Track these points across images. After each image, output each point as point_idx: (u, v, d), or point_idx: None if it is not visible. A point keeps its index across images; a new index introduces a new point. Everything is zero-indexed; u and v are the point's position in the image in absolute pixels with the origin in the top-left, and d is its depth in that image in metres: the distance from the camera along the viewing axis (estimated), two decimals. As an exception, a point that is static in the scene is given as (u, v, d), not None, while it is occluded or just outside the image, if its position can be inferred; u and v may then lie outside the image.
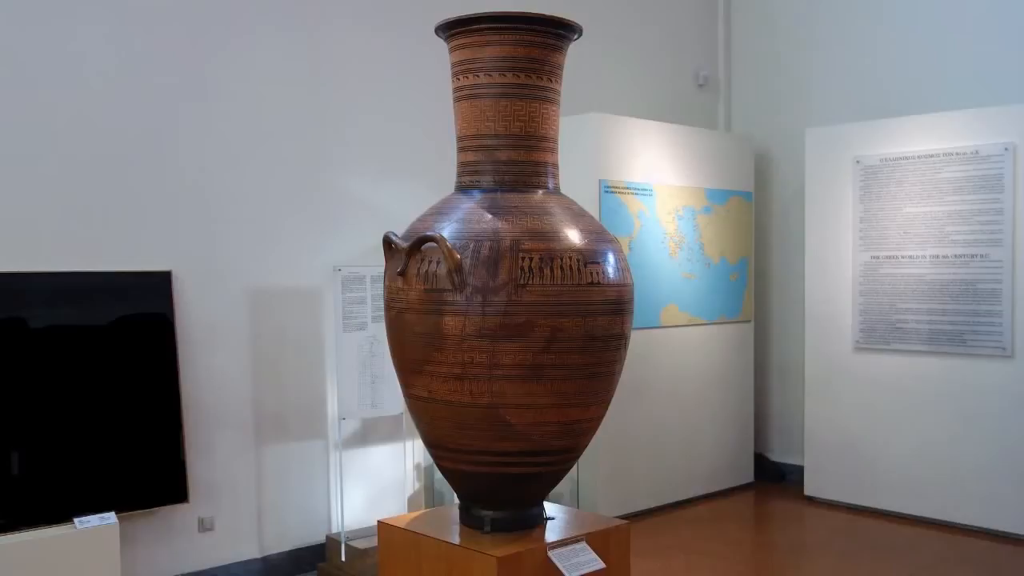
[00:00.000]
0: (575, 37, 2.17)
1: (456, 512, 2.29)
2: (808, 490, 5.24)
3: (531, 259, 1.98)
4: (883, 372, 4.93)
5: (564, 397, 2.03)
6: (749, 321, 5.57)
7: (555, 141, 2.20)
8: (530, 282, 1.97)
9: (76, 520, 3.21)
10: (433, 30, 2.19)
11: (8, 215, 3.38)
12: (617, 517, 2.66)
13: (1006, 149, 4.52)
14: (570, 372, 2.02)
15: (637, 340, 4.64)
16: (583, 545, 2.12)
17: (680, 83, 5.93)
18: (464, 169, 2.19)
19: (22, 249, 3.39)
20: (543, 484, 2.18)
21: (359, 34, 4.33)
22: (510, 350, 1.97)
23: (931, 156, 4.76)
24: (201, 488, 3.80)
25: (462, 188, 2.19)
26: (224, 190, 3.92)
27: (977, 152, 4.61)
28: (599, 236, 2.13)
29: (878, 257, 4.94)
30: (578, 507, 4.52)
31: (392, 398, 4.07)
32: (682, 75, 5.94)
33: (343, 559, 3.94)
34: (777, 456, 5.87)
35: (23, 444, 3.28)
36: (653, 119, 5.20)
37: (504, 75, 2.09)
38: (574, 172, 4.33)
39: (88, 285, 3.45)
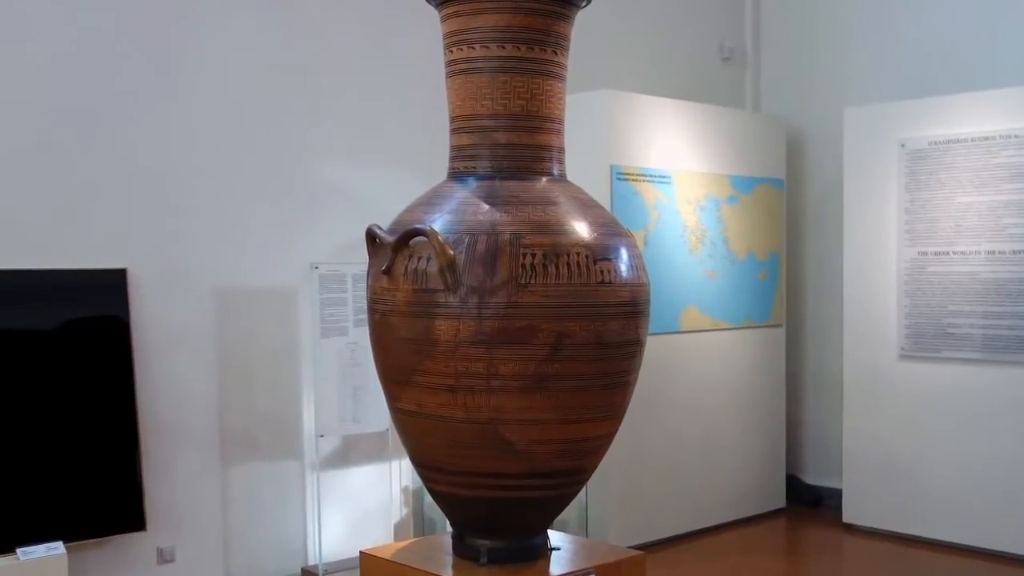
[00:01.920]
0: (583, 4, 2.17)
1: (448, 541, 2.28)
2: (847, 516, 5.24)
3: (533, 255, 1.98)
4: (932, 383, 4.93)
5: (571, 411, 2.03)
6: (780, 325, 5.57)
7: (560, 122, 2.20)
8: (532, 281, 1.97)
9: (20, 551, 3.20)
10: (422, -4, 2.20)
11: (-58, 205, 3.39)
12: (631, 547, 2.66)
13: (1071, 131, 4.52)
14: (578, 383, 2.02)
15: (653, 347, 4.62)
16: (592, 578, 2.12)
17: (702, 56, 5.92)
18: (458, 154, 2.18)
19: (-42, 244, 3.40)
20: (547, 510, 2.18)
21: (339, 1, 4.34)
22: (510, 358, 1.97)
23: (986, 139, 4.75)
24: (160, 514, 3.80)
25: (456, 175, 2.19)
26: (186, 177, 3.92)
27: (1038, 134, 4.61)
28: (610, 229, 2.13)
29: (926, 253, 4.94)
30: (587, 536, 4.52)
31: (376, 413, 4.07)
32: (705, 47, 5.94)
33: (321, 594, 3.94)
34: (812, 478, 5.86)
35: (-41, 464, 3.28)
36: (672, 97, 5.20)
37: (502, 47, 2.09)
38: (582, 157, 4.31)
39: (32, 285, 3.45)
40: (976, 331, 4.78)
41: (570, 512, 4.38)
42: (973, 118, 4.81)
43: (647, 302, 2.18)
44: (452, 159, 2.22)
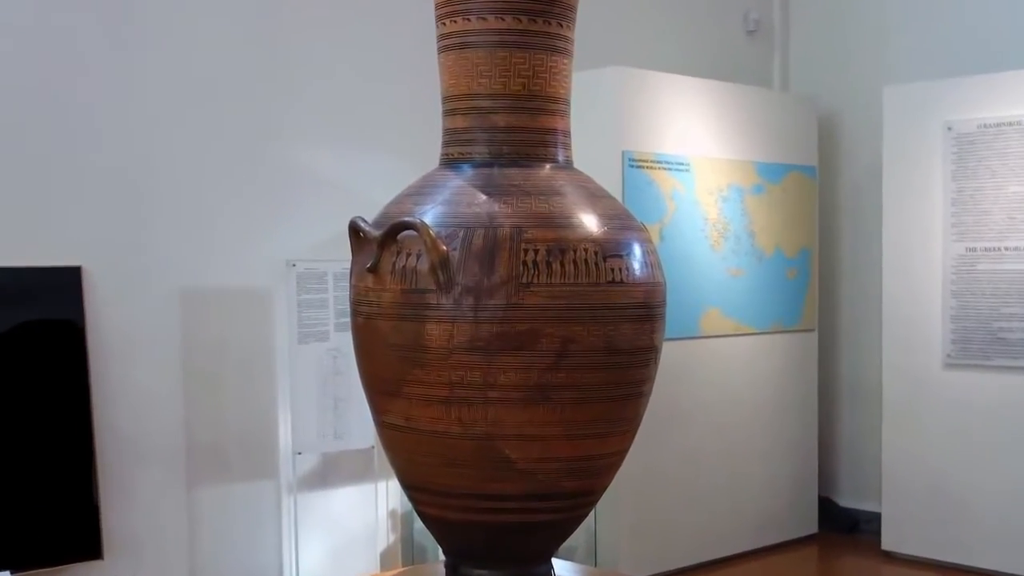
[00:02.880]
0: (592, -30, 2.16)
1: (441, 571, 2.28)
2: (886, 543, 5.24)
3: (536, 251, 1.98)
4: (981, 394, 4.93)
5: (578, 426, 2.03)
6: (812, 330, 5.57)
7: (566, 102, 2.20)
8: (535, 280, 1.96)
9: (-39, 581, 3.21)
10: (412, -38, 2.19)
11: None
12: (645, 578, 2.66)
13: None
14: (585, 394, 2.01)
15: (670, 354, 4.62)
16: (602, 613, 2.11)
17: (725, 29, 5.92)
18: (451, 138, 2.18)
19: None
20: (551, 536, 2.17)
21: (319, -33, 4.34)
22: (510, 366, 1.96)
23: (1042, 121, 4.76)
24: (119, 540, 3.80)
25: (449, 162, 2.18)
26: (148, 164, 3.91)
27: (1100, 116, 4.61)
28: (622, 223, 2.12)
29: (975, 249, 4.94)
30: (595, 565, 4.52)
31: (360, 427, 4.07)
32: (727, 19, 5.94)
33: (298, 630, 3.94)
34: (848, 500, 5.86)
35: None
36: (690, 75, 5.20)
37: (501, 18, 2.08)
38: (591, 141, 4.32)
39: (-24, 284, 3.45)
40: (1031, 336, 4.79)
41: (577, 538, 4.38)
42: (1027, 98, 4.82)
43: (663, 304, 2.17)
44: (445, 144, 2.21)
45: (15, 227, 3.63)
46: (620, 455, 2.19)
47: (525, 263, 1.98)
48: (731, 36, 5.96)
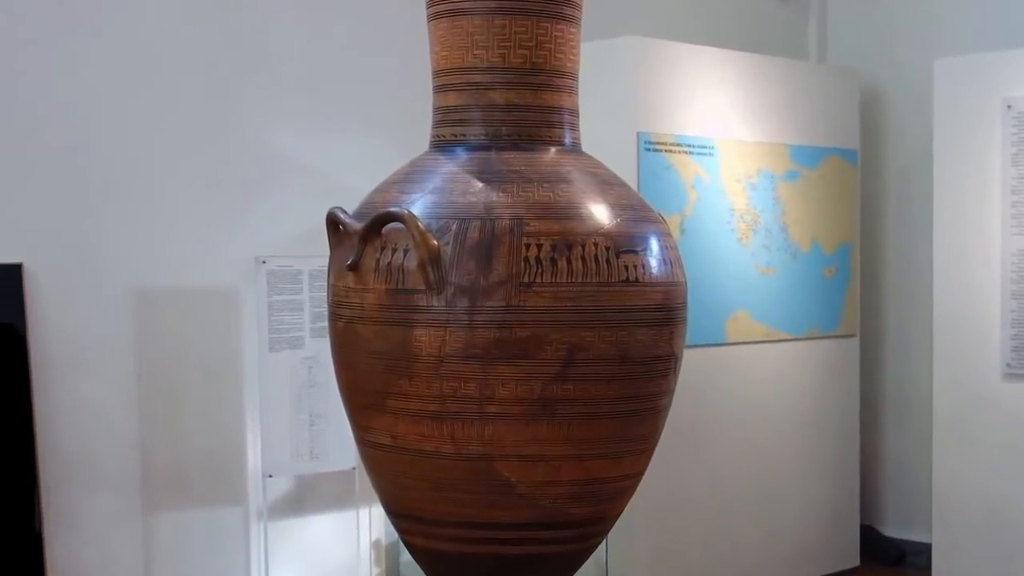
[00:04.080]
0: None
1: (431, 610, 2.29)
2: (938, 578, 5.25)
3: (539, 246, 1.99)
4: (1045, 409, 4.93)
5: (587, 445, 2.03)
6: (853, 336, 5.57)
7: (574, 77, 2.21)
8: (538, 279, 1.97)
9: None
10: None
11: None
12: (663, 617, 2.67)
13: None
14: (595, 409, 2.02)
15: (692, 362, 4.62)
16: (614, 657, 2.12)
17: (754, -7, 5.93)
18: (443, 118, 2.19)
19: None
20: (557, 570, 2.18)
21: (293, -77, 4.35)
22: (509, 377, 1.97)
23: (1115, 98, 4.76)
24: (66, 572, 3.80)
25: (440, 145, 2.19)
26: (96, 149, 3.91)
27: None
28: (637, 214, 2.13)
29: (1038, 244, 4.94)
30: (607, 602, 4.52)
31: (339, 447, 4.06)
32: (757, -18, 5.94)
33: (269, 677, 3.94)
34: (893, 529, 5.86)
35: None
36: (715, 45, 5.19)
37: (500, -19, 2.09)
38: (601, 122, 4.32)
39: (-97, 283, 3.45)
40: (1102, 343, 4.79)
41: (586, 572, 4.37)
42: (1099, 72, 4.82)
43: (684, 306, 2.18)
44: (436, 124, 2.22)
45: (-53, 219, 3.64)
46: (635, 478, 2.20)
47: (527, 260, 1.99)
48: (762, 3, 5.96)
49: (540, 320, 1.99)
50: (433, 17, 2.19)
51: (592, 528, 2.17)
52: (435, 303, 2.00)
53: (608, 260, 2.04)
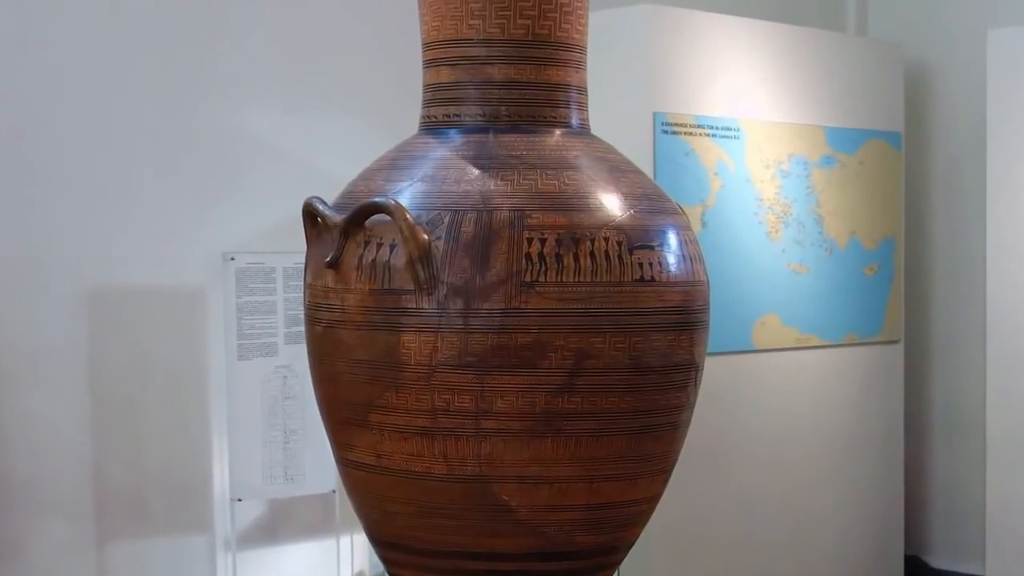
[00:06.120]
0: None
1: (421, 651, 2.29)
2: (992, 615, 5.25)
3: (543, 241, 1.99)
4: (1113, 424, 4.94)
5: (596, 465, 2.03)
6: (897, 341, 5.57)
7: (582, 50, 2.21)
8: (541, 278, 1.97)
9: None
10: None
11: None
12: (683, 659, 2.67)
13: None
14: (606, 424, 2.02)
15: (715, 372, 4.64)
16: None
17: (784, -43, 5.93)
18: (435, 96, 2.19)
19: None
20: (563, 606, 2.18)
21: None
22: (509, 389, 1.97)
23: None
24: (10, 611, 3.81)
25: (431, 126, 2.19)
26: (44, 133, 3.92)
27: None
28: (653, 204, 2.13)
29: (1105, 238, 4.95)
30: (619, 643, 4.52)
31: (317, 467, 4.07)
32: (788, -56, 5.95)
33: None
34: (942, 560, 5.86)
35: None
36: (742, 14, 5.20)
37: (499, -58, 2.09)
38: (613, 100, 4.32)
39: None
40: None
41: (596, 609, 4.39)
42: None
43: (705, 308, 2.18)
44: (427, 103, 2.22)
45: None
46: (650, 502, 2.20)
47: (528, 256, 1.99)
48: (792, -35, 5.97)
49: (543, 324, 1.99)
50: (423, -17, 2.19)
51: (603, 558, 2.17)
52: (425, 305, 2.00)
53: (620, 257, 2.03)
